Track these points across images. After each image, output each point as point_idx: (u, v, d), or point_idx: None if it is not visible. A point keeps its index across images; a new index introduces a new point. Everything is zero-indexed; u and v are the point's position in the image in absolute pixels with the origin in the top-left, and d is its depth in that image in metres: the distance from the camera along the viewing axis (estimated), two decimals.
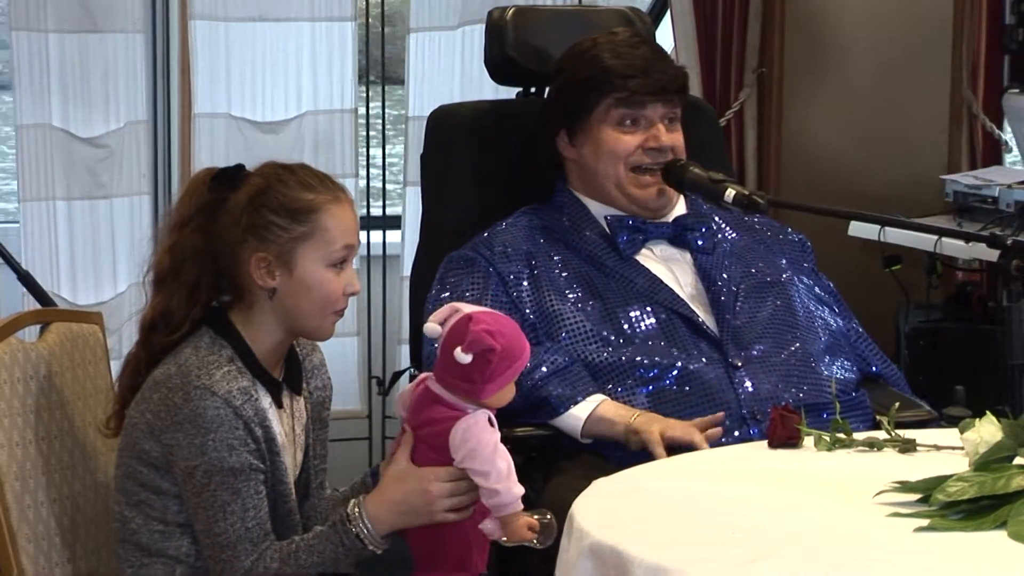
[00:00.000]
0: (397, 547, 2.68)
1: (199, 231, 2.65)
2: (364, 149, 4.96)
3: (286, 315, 2.64)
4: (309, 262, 2.62)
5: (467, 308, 2.64)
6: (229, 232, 2.62)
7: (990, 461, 2.26)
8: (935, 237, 4.20)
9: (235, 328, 2.64)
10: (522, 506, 2.58)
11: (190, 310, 2.64)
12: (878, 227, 4.40)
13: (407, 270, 3.93)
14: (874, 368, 3.30)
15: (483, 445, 2.58)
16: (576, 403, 2.99)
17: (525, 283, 3.15)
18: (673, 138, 3.23)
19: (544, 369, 3.00)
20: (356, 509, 2.61)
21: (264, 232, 2.61)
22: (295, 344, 2.75)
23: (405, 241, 4.86)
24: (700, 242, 3.25)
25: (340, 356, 4.62)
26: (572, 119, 3.26)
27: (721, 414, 2.97)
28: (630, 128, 3.22)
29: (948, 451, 2.51)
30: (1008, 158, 5.13)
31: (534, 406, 2.99)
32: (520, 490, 2.58)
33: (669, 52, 3.78)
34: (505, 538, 2.57)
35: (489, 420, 2.60)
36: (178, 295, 2.64)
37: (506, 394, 2.64)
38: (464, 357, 2.57)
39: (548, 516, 2.56)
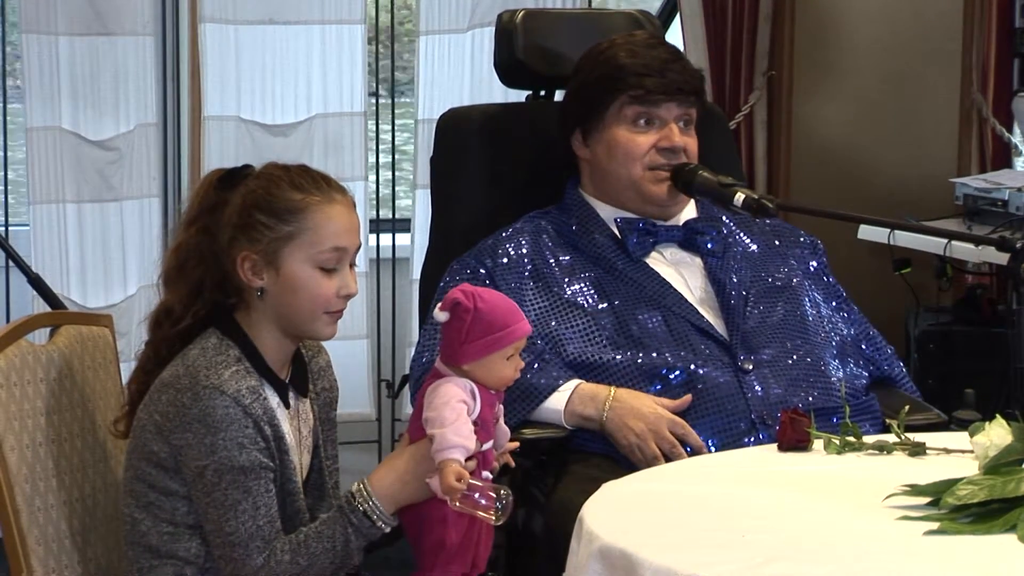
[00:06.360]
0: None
1: (202, 231, 2.66)
2: (374, 151, 4.96)
3: (277, 315, 2.64)
4: (295, 262, 2.61)
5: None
6: (224, 232, 2.63)
7: (1000, 464, 2.26)
8: (945, 240, 4.20)
9: (241, 329, 2.64)
10: (458, 458, 2.53)
11: (192, 306, 2.64)
12: (888, 230, 4.40)
13: (417, 273, 3.93)
14: (884, 368, 3.30)
15: (440, 396, 2.59)
16: (558, 388, 3.00)
17: (528, 292, 3.14)
18: (687, 140, 3.23)
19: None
20: (360, 487, 2.62)
21: (251, 231, 2.61)
22: (301, 346, 2.75)
23: (415, 244, 4.86)
24: (710, 245, 3.24)
25: (349, 359, 4.63)
26: (587, 118, 3.26)
27: (688, 397, 2.99)
28: (644, 128, 3.22)
29: (958, 454, 2.51)
30: (1018, 161, 5.13)
31: (515, 397, 2.97)
32: (461, 442, 2.53)
33: None
34: (446, 495, 2.54)
35: (472, 393, 2.60)
36: (182, 293, 2.65)
37: (494, 367, 2.63)
38: (440, 315, 2.62)
39: (503, 490, 2.53)
